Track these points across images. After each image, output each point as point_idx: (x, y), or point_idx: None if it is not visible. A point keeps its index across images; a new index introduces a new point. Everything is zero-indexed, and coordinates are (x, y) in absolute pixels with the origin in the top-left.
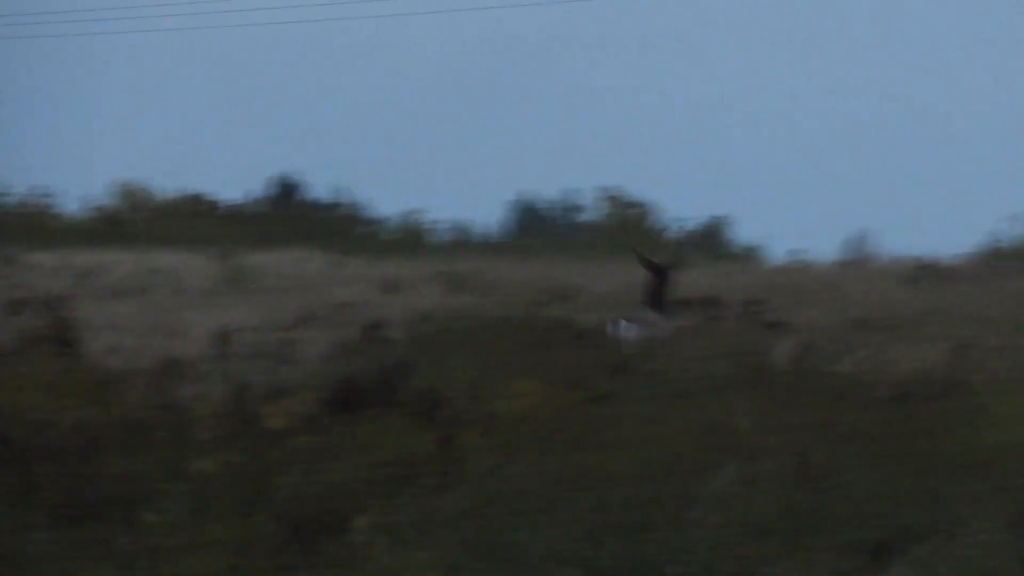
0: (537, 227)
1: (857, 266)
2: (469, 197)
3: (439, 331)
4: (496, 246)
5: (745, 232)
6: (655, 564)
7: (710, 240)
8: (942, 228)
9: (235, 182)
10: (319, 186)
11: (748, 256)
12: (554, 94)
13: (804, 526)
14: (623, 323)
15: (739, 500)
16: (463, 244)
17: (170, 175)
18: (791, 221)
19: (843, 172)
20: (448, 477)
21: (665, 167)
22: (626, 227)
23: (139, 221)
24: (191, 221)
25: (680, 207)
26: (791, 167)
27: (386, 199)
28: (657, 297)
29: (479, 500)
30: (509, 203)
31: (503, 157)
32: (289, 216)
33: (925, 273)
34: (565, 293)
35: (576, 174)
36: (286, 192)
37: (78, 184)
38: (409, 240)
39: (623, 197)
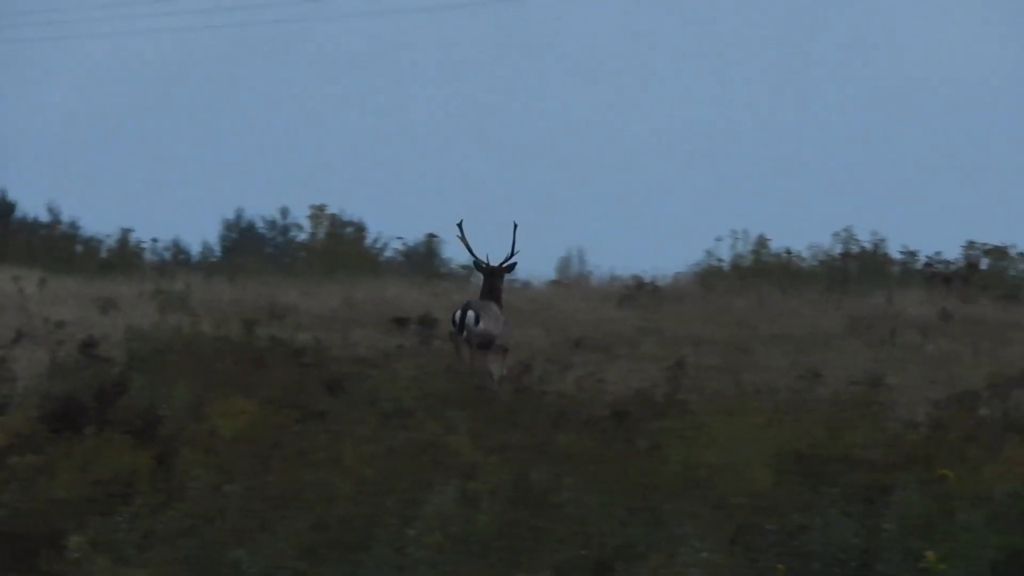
0: (252, 246)
1: (573, 286)
2: (184, 216)
3: (156, 350)
4: (211, 265)
5: (459, 251)
6: None
7: (425, 259)
8: (657, 248)
9: None
10: (33, 205)
11: (462, 274)
12: (268, 112)
13: (524, 544)
14: (471, 315)
15: (458, 518)
16: (179, 263)
17: None
18: (504, 241)
19: (557, 191)
20: (167, 495)
21: (380, 186)
22: (340, 246)
23: None
24: None
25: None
26: (503, 186)
27: (102, 218)
28: (496, 294)
29: (198, 518)
30: (224, 222)
31: (218, 175)
32: (2, 235)
33: (641, 293)
34: (281, 312)
35: (291, 193)
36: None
37: None
38: (125, 259)
39: (337, 216)
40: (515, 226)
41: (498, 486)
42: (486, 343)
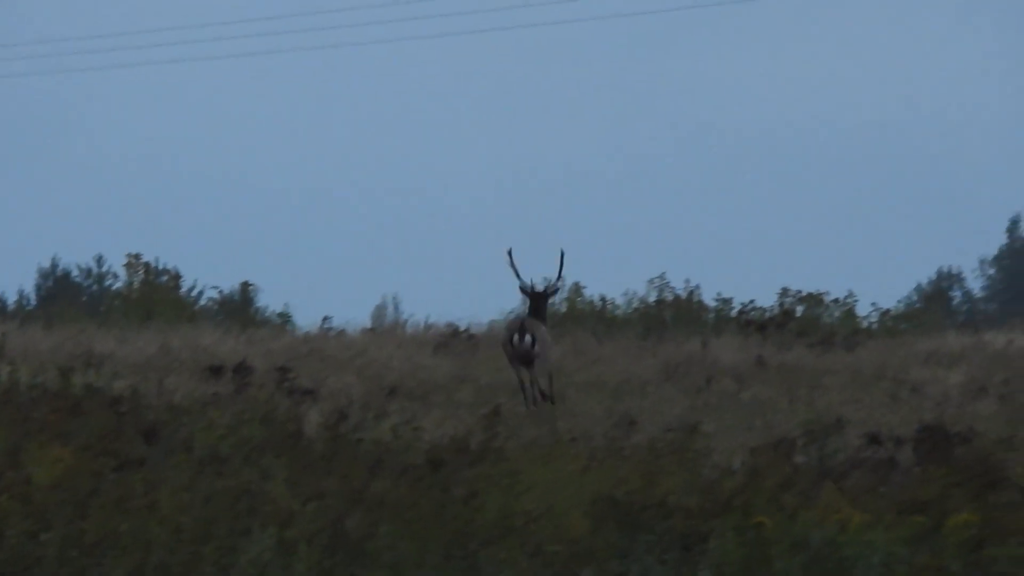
0: (68, 294)
1: (388, 333)
2: None
3: None
4: (27, 313)
5: (275, 299)
6: None
7: (240, 307)
8: (471, 295)
9: None
10: None
11: (279, 323)
12: (83, 160)
13: None
14: (527, 337)
15: (275, 566)
16: None
17: None
18: (321, 289)
19: (371, 240)
20: None
21: (195, 234)
22: (156, 294)
23: None
24: None
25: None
26: (317, 235)
27: None
28: (542, 316)
29: (16, 566)
30: (39, 270)
31: (33, 224)
32: None
33: (456, 340)
34: (97, 360)
35: (106, 241)
36: None
37: None
38: None
39: (152, 264)
40: (562, 253)
41: (314, 533)
42: (529, 360)
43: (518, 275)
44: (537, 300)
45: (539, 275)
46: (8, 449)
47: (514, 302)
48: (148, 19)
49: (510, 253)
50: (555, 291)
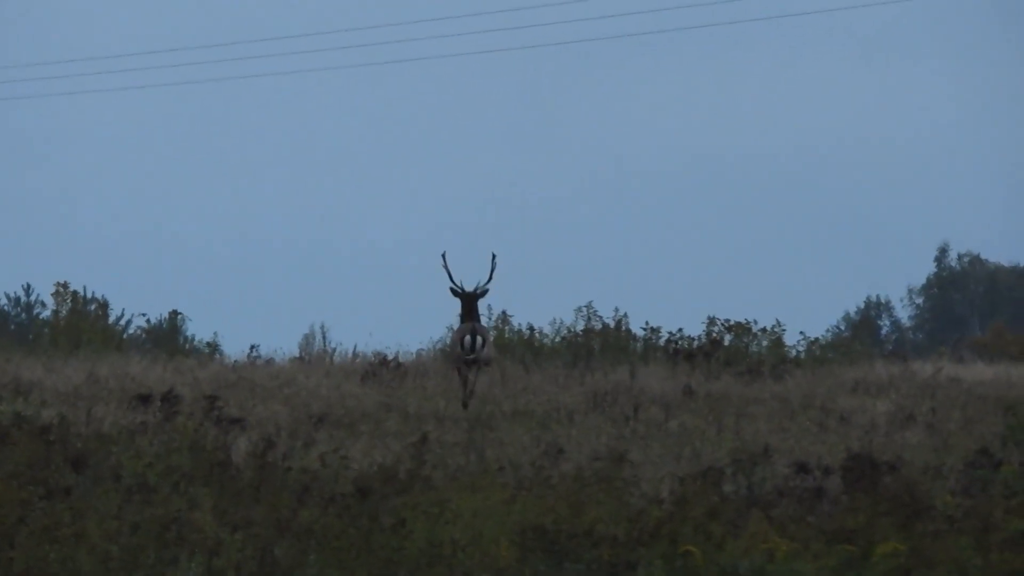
0: None
1: (316, 362)
2: None
3: None
4: None
5: (203, 328)
6: None
7: (168, 336)
8: (399, 324)
9: None
10: None
11: (206, 352)
12: (10, 190)
13: None
14: (479, 340)
15: None
16: None
17: None
18: (249, 318)
19: (297, 270)
20: None
21: (123, 263)
22: (84, 323)
23: None
24: None
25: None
26: (247, 265)
27: None
28: (476, 316)
29: None
30: None
31: None
32: None
33: (384, 369)
34: (25, 389)
35: (33, 271)
36: None
37: None
38: None
39: (80, 293)
40: (493, 256)
41: (242, 562)
42: (482, 361)
43: (451, 277)
44: (469, 300)
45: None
46: None
47: (440, 331)
48: (69, 48)
49: (444, 256)
50: (484, 292)
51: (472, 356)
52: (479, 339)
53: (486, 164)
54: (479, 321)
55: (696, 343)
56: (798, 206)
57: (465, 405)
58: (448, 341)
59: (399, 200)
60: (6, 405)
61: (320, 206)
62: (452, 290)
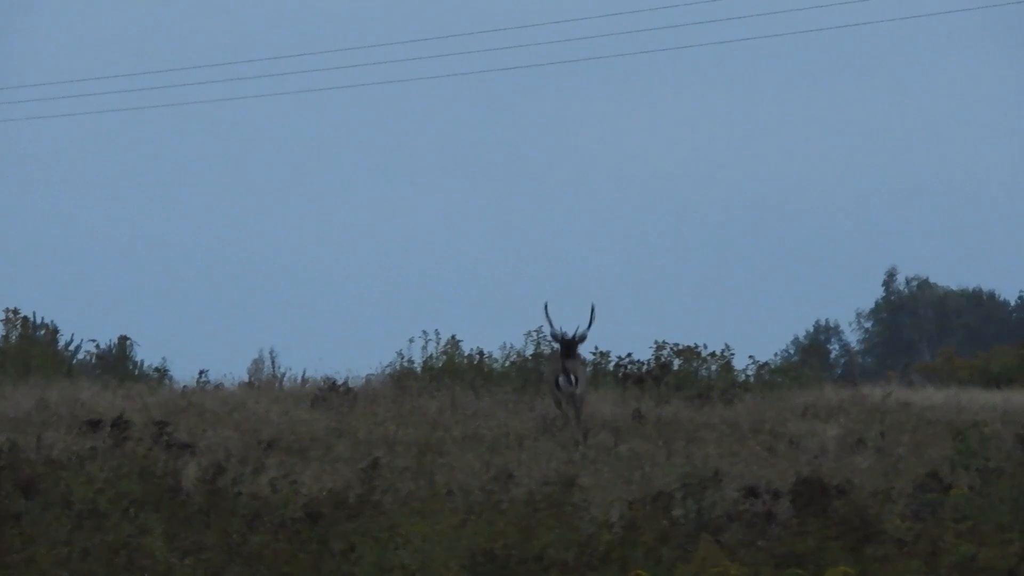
0: None
1: (265, 387)
2: None
3: None
4: None
5: (152, 354)
6: None
7: (118, 361)
8: (349, 349)
9: None
10: None
11: (156, 377)
12: None
13: None
14: (562, 377)
15: None
16: None
17: None
18: (198, 343)
19: (248, 295)
20: None
21: (72, 289)
22: (33, 348)
23: None
24: None
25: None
26: (196, 290)
27: None
28: (574, 357)
29: None
30: None
31: None
32: None
33: (333, 394)
34: None
35: None
36: None
37: None
38: None
39: (30, 319)
40: (592, 307)
41: None
42: (578, 398)
43: (551, 323)
44: (568, 345)
45: (418, 334)
46: None
47: (390, 356)
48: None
49: (546, 306)
50: (583, 338)
51: (570, 392)
52: (572, 376)
53: (435, 187)
54: (578, 360)
55: (645, 368)
56: (747, 230)
57: (577, 443)
58: (544, 377)
59: (348, 224)
60: None
61: (267, 231)
62: (553, 335)
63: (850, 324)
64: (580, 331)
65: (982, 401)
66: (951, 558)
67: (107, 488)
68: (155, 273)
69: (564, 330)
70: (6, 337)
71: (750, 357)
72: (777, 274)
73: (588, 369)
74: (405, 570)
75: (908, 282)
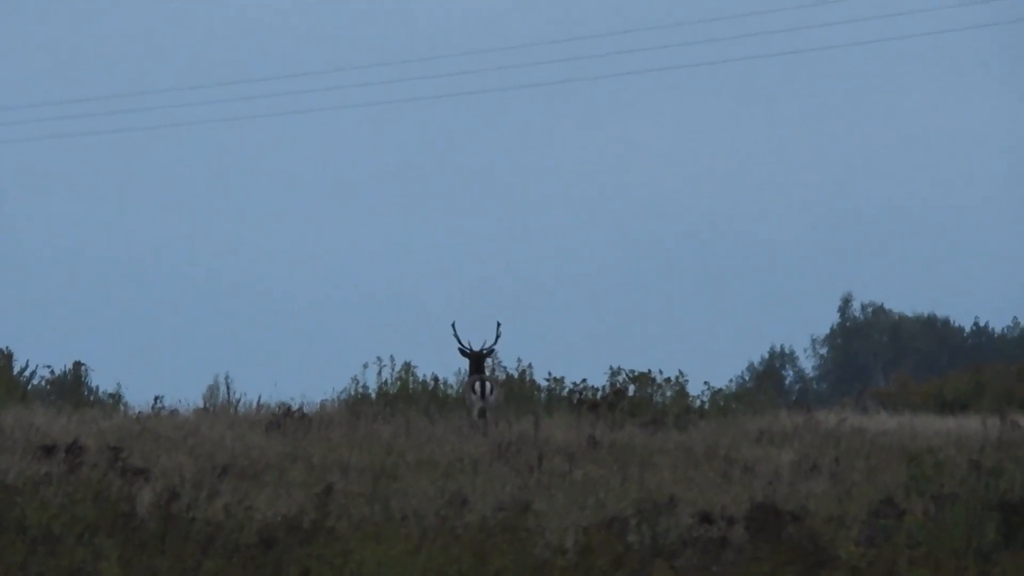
0: None
1: (220, 413)
2: None
3: None
4: None
5: (107, 379)
6: None
7: (72, 387)
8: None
9: None
10: None
11: (110, 403)
12: None
13: None
14: (488, 385)
15: None
16: None
17: None
18: (152, 369)
19: (203, 321)
20: None
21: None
22: None
23: None
24: None
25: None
26: (151, 316)
27: None
28: (482, 371)
29: None
30: None
31: None
32: None
33: (288, 419)
34: None
35: None
36: None
37: None
38: None
39: None
40: (498, 324)
41: None
42: (492, 406)
43: (459, 340)
44: (477, 358)
45: (373, 360)
46: None
47: (344, 381)
48: None
49: (453, 326)
50: (491, 351)
51: (482, 404)
52: (488, 385)
53: (389, 213)
54: (488, 374)
55: (600, 393)
56: (701, 255)
57: (485, 434)
58: (461, 390)
59: (302, 250)
60: None
61: (222, 256)
62: (461, 350)
63: (805, 350)
64: (487, 345)
65: (936, 427)
66: None
67: (62, 513)
68: (110, 299)
69: (472, 345)
70: None
71: (705, 383)
72: (732, 300)
73: (543, 396)
74: None
75: (863, 308)
